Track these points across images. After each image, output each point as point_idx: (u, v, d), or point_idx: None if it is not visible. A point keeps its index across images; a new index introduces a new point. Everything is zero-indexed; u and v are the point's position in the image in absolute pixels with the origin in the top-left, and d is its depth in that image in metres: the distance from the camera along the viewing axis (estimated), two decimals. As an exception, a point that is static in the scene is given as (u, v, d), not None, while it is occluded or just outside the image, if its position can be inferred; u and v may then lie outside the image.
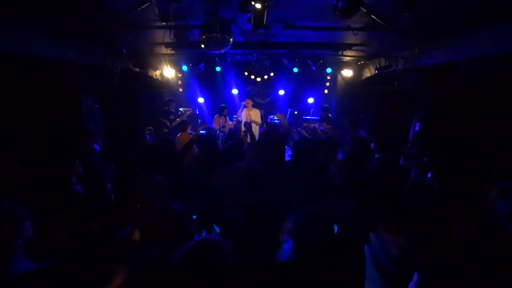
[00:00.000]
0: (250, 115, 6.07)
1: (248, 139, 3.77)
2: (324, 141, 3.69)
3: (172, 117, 6.21)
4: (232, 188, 2.47)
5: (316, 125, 6.39)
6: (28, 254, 1.27)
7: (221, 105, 6.26)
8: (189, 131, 4.64)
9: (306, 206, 1.46)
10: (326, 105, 6.83)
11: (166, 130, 5.97)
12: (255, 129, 6.17)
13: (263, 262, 2.12)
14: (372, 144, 3.81)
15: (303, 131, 4.98)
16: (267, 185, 2.30)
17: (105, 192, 3.55)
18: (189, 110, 6.98)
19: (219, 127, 5.86)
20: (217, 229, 3.64)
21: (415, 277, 1.25)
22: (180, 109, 7.51)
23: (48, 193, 2.53)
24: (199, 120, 8.20)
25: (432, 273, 1.03)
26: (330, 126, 5.83)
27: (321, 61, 6.30)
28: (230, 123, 6.31)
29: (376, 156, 3.82)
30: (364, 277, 2.85)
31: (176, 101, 6.89)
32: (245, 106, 5.98)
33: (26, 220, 1.27)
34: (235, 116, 7.09)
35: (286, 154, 5.27)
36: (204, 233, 3.62)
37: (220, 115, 6.09)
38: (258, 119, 6.24)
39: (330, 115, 6.62)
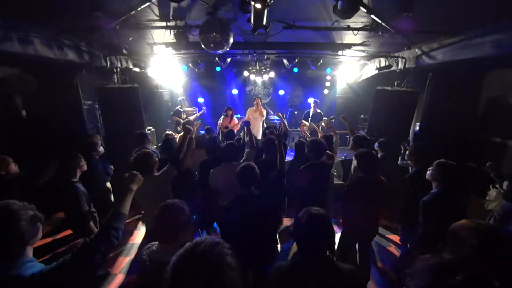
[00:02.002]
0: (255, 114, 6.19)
1: (247, 138, 3.77)
2: (326, 141, 3.70)
3: (185, 116, 6.40)
4: (230, 187, 2.48)
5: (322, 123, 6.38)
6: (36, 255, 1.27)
7: (228, 106, 6.38)
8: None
9: (307, 207, 1.46)
10: (317, 100, 6.83)
11: (180, 128, 6.09)
12: (257, 129, 6.21)
13: (262, 261, 2.13)
14: (376, 144, 3.82)
15: (306, 132, 4.96)
16: (264, 185, 2.30)
17: (104, 192, 3.56)
18: (194, 112, 7.06)
19: (219, 128, 5.89)
20: (217, 229, 3.65)
21: None
22: (186, 108, 7.53)
23: (50, 191, 2.53)
24: (199, 120, 8.20)
25: None
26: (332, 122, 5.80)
27: (321, 61, 6.29)
28: (237, 123, 6.34)
29: (379, 155, 3.83)
30: (368, 278, 2.85)
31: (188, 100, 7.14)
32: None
33: (36, 222, 1.26)
34: (237, 116, 7.13)
35: (287, 154, 5.21)
36: (204, 233, 3.63)
37: (227, 115, 6.17)
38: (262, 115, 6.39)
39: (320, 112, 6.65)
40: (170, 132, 4.89)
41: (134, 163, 2.40)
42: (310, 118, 6.79)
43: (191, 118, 6.33)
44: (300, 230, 1.39)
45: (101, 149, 3.51)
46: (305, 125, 5.85)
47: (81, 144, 3.34)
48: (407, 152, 4.06)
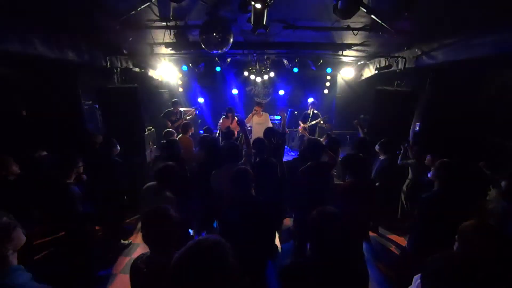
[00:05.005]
0: (253, 120, 6.05)
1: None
2: (329, 141, 3.70)
3: (174, 118, 6.22)
4: (230, 188, 2.48)
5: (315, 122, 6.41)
6: (23, 261, 1.24)
7: (229, 107, 6.26)
8: (190, 133, 4.62)
9: (313, 207, 1.45)
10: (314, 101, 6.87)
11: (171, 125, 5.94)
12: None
13: (261, 261, 2.13)
14: (377, 146, 3.81)
15: (306, 132, 4.97)
16: (261, 186, 2.31)
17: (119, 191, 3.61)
18: (190, 110, 6.96)
19: (219, 128, 5.87)
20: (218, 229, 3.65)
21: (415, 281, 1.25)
22: (181, 109, 7.51)
23: (47, 192, 2.52)
24: (199, 120, 8.20)
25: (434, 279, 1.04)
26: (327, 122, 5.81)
27: (321, 61, 6.28)
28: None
29: (381, 158, 3.82)
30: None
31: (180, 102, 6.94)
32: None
33: (15, 228, 1.24)
34: (237, 115, 7.06)
35: (286, 154, 5.19)
36: (204, 233, 3.63)
37: (227, 117, 6.06)
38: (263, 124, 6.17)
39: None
40: (172, 130, 4.67)
41: (160, 174, 2.39)
42: (309, 119, 6.81)
43: (187, 117, 6.29)
44: (319, 231, 1.37)
45: (118, 148, 3.62)
46: (303, 126, 5.84)
47: (101, 146, 3.58)
48: (407, 153, 4.07)
